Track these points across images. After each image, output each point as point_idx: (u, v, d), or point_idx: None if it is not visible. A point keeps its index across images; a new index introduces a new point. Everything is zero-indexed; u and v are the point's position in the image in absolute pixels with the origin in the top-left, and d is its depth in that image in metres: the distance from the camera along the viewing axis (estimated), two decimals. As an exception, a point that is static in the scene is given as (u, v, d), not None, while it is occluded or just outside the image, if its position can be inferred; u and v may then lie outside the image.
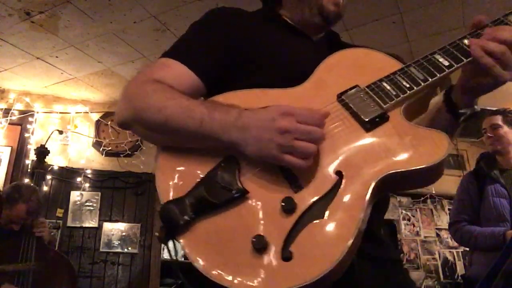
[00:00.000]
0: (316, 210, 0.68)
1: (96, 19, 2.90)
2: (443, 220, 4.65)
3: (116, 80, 3.76)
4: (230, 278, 0.64)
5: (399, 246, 4.45)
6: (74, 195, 3.73)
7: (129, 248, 3.70)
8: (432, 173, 0.72)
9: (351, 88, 0.81)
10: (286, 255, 0.64)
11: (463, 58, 0.80)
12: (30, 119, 3.83)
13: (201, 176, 0.74)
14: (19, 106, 3.85)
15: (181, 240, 0.71)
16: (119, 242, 3.69)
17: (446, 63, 0.80)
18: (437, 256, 4.52)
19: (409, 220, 4.66)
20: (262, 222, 0.68)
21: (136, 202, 3.88)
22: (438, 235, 4.57)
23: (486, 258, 1.98)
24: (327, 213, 0.67)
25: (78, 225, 3.64)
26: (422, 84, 0.79)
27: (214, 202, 0.70)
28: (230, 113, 0.74)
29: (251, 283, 0.63)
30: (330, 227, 0.66)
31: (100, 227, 3.69)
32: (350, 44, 1.05)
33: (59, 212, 3.61)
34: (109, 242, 3.66)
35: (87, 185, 3.79)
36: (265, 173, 0.73)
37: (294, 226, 0.66)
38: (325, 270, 0.61)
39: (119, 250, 3.66)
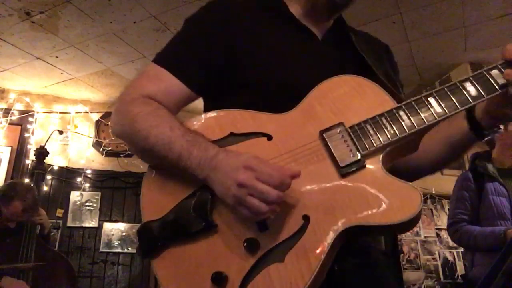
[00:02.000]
0: (277, 253, 0.69)
1: (96, 19, 2.90)
2: (443, 220, 4.65)
3: (116, 80, 3.76)
4: None
5: (399, 246, 4.45)
6: (74, 195, 3.73)
7: (129, 248, 3.70)
8: (402, 228, 0.71)
9: (334, 126, 0.78)
10: None
11: (458, 105, 0.75)
12: (30, 119, 3.83)
13: (179, 201, 0.77)
14: (19, 106, 3.85)
15: (153, 262, 0.75)
16: (119, 242, 3.69)
17: (439, 110, 0.75)
18: (437, 256, 4.52)
19: (409, 220, 4.66)
20: (225, 258, 0.71)
21: (136, 202, 3.88)
22: (438, 235, 4.57)
23: (489, 259, 1.96)
24: (287, 257, 0.68)
25: (78, 225, 3.64)
26: (407, 132, 0.75)
27: (184, 231, 0.74)
28: (207, 152, 0.76)
29: None
30: (287, 272, 0.67)
31: (100, 227, 3.69)
32: (356, 40, 0.98)
33: (59, 212, 3.61)
34: (109, 242, 3.66)
35: (87, 185, 3.79)
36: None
37: (254, 267, 0.68)
38: None
39: (119, 250, 3.66)
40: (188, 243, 0.74)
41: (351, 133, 0.77)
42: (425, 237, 4.60)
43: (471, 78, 0.76)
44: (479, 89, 0.75)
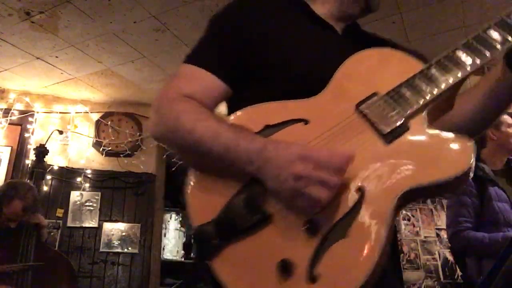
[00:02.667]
0: (339, 230, 0.67)
1: (96, 19, 2.90)
2: (443, 220, 4.64)
3: (116, 80, 3.76)
4: None
5: (399, 247, 4.45)
6: (74, 195, 3.73)
7: (129, 248, 3.70)
8: (457, 183, 0.69)
9: (369, 97, 0.78)
10: (312, 277, 0.64)
11: (486, 52, 0.74)
12: (30, 119, 3.83)
13: (228, 199, 0.74)
14: (19, 106, 3.85)
15: (213, 265, 0.72)
16: (119, 242, 3.68)
17: (469, 61, 0.75)
18: (437, 256, 4.52)
19: (409, 220, 4.66)
20: (286, 245, 0.68)
21: (136, 202, 3.88)
22: (438, 235, 4.58)
23: None
24: (350, 232, 0.66)
25: (78, 225, 3.64)
26: (443, 86, 0.74)
27: (240, 227, 0.71)
28: (254, 143, 0.74)
29: None
30: (354, 246, 0.65)
31: (100, 227, 3.69)
32: (372, 35, 1.04)
33: (59, 212, 3.61)
34: (109, 242, 3.66)
35: (87, 185, 3.79)
36: None
37: (318, 248, 0.66)
38: (357, 285, 0.61)
39: (119, 250, 3.66)
40: (245, 239, 0.71)
41: (387, 99, 0.76)
42: (425, 237, 4.60)
43: (493, 26, 0.77)
44: (504, 34, 0.75)
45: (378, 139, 0.73)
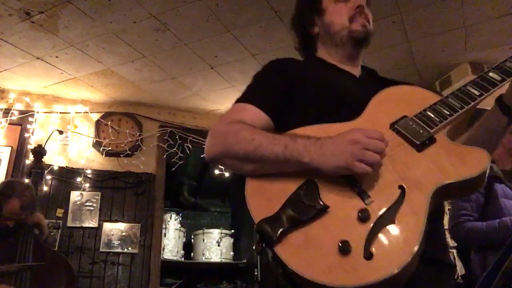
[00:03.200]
0: (387, 217, 0.81)
1: (96, 19, 2.90)
2: (444, 221, 4.64)
3: (116, 80, 3.76)
4: (324, 276, 0.76)
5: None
6: (74, 195, 3.73)
7: (129, 248, 3.69)
8: (477, 182, 0.86)
9: (400, 118, 0.97)
10: (367, 255, 0.76)
11: (489, 87, 0.99)
12: (30, 119, 3.82)
13: (286, 197, 0.86)
14: (19, 106, 3.85)
15: (277, 251, 0.81)
16: (119, 242, 3.68)
17: (477, 93, 0.99)
18: (437, 256, 4.51)
19: (409, 220, 4.65)
20: (343, 230, 0.81)
21: (136, 202, 3.88)
22: (438, 235, 4.57)
23: None
24: (396, 219, 0.81)
25: (78, 225, 3.63)
26: (459, 111, 0.96)
27: (301, 217, 0.83)
28: (310, 139, 0.90)
29: (342, 279, 0.75)
30: (401, 229, 0.79)
31: (100, 227, 3.68)
32: (389, 79, 1.22)
33: (59, 212, 3.60)
34: (109, 242, 3.66)
35: (87, 185, 3.79)
36: (339, 191, 0.87)
37: (371, 231, 0.79)
38: (403, 264, 0.74)
39: (119, 250, 3.66)
40: (305, 228, 0.83)
41: (416, 120, 0.96)
42: (425, 237, 4.59)
43: (492, 69, 1.03)
44: (501, 74, 1.01)
45: (412, 149, 0.91)
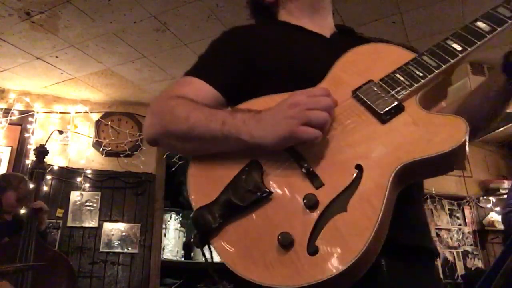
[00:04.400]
0: (338, 205, 0.69)
1: (96, 19, 2.90)
2: (443, 220, 4.65)
3: (116, 80, 3.76)
4: (260, 275, 0.67)
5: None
6: (74, 195, 3.73)
7: (129, 248, 3.69)
8: (453, 159, 0.71)
9: (365, 84, 0.82)
10: (311, 250, 0.66)
11: (475, 40, 0.81)
12: (30, 119, 3.83)
13: (228, 181, 0.77)
14: (19, 106, 3.85)
15: (213, 243, 0.74)
16: (119, 242, 3.68)
17: (459, 48, 0.81)
18: (437, 256, 4.51)
19: (409, 220, 4.65)
20: (286, 219, 0.71)
21: (136, 202, 3.88)
22: (438, 235, 4.57)
23: None
24: (349, 206, 0.68)
25: (78, 225, 3.63)
26: (435, 71, 0.79)
27: (241, 205, 0.73)
28: (249, 112, 0.79)
29: (280, 278, 0.65)
30: (353, 219, 0.67)
31: (100, 227, 3.68)
32: (365, 37, 1.07)
33: (59, 212, 3.60)
34: (109, 242, 3.66)
35: (87, 185, 3.79)
36: (286, 173, 0.75)
37: (318, 221, 0.68)
38: (350, 262, 0.63)
39: (119, 250, 3.66)
40: (245, 217, 0.73)
41: (382, 84, 0.81)
42: (425, 237, 4.59)
43: (479, 18, 0.84)
44: (491, 24, 0.82)
45: (374, 119, 0.77)
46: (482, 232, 4.68)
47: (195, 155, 0.86)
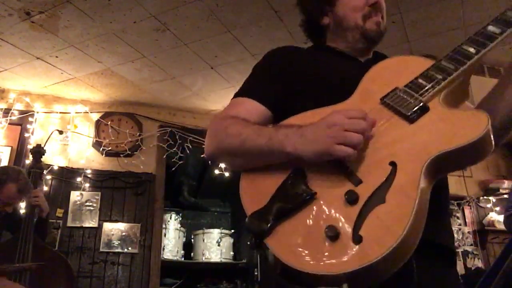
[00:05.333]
0: (377, 197, 0.76)
1: (96, 19, 2.90)
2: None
3: (116, 80, 3.76)
4: (313, 266, 0.73)
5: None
6: (74, 195, 3.73)
7: (129, 248, 3.69)
8: (478, 149, 0.78)
9: (391, 91, 0.91)
10: (357, 239, 0.72)
11: (487, 42, 0.88)
12: (30, 119, 3.82)
13: (274, 188, 0.85)
14: (19, 106, 3.85)
15: (267, 243, 0.79)
16: (119, 242, 3.68)
17: (473, 51, 0.89)
18: (437, 256, 4.51)
19: (409, 220, 4.65)
20: (331, 215, 0.78)
21: (136, 202, 3.88)
22: (438, 235, 4.57)
23: None
24: (387, 198, 0.75)
25: (78, 225, 3.63)
26: (454, 73, 0.87)
27: (289, 207, 0.81)
28: (292, 127, 0.88)
29: (331, 267, 0.71)
30: (391, 208, 0.74)
31: (100, 227, 3.68)
32: None
33: (59, 212, 3.60)
34: (109, 242, 3.66)
35: (87, 185, 3.79)
36: (328, 175, 0.83)
37: (360, 214, 0.75)
38: (392, 245, 0.68)
39: (119, 250, 3.66)
40: (294, 217, 0.80)
41: (407, 90, 0.89)
42: (425, 237, 4.59)
43: (490, 22, 0.92)
44: (500, 26, 0.91)
45: (403, 121, 0.85)
46: (482, 232, 4.68)
47: (245, 169, 0.94)
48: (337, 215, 0.77)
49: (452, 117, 0.82)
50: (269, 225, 0.79)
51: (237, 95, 1.10)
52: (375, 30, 1.12)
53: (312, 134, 0.83)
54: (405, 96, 0.88)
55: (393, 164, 0.79)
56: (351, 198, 0.77)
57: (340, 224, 0.75)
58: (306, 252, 0.75)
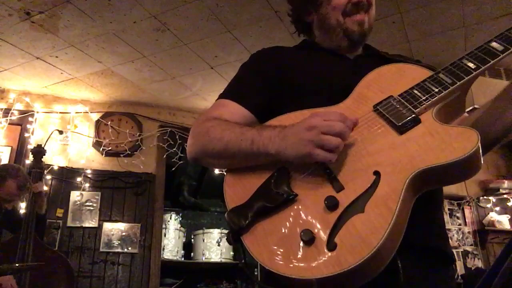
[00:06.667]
0: (356, 206, 0.75)
1: (96, 19, 2.90)
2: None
3: (116, 80, 3.76)
4: (285, 268, 0.73)
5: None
6: (74, 195, 3.73)
7: (129, 248, 3.69)
8: (466, 167, 0.76)
9: (385, 99, 0.90)
10: (331, 246, 0.72)
11: (488, 59, 0.86)
12: (30, 119, 3.83)
13: (258, 186, 0.85)
14: (19, 106, 3.85)
15: (243, 239, 0.80)
16: (119, 242, 3.68)
17: (473, 66, 0.87)
18: (437, 256, 4.51)
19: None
20: (309, 219, 0.78)
21: (136, 202, 3.88)
22: (438, 235, 4.57)
23: None
24: (366, 207, 0.74)
25: (78, 225, 3.64)
26: (450, 87, 0.86)
27: (270, 206, 0.81)
28: (275, 129, 0.88)
29: (302, 271, 0.72)
30: (369, 219, 0.73)
31: (100, 227, 3.68)
32: (388, 56, 1.14)
33: (59, 212, 3.61)
34: (109, 242, 3.66)
35: (87, 185, 3.79)
36: (311, 178, 0.83)
37: (338, 221, 0.74)
38: (365, 256, 0.68)
39: (119, 250, 3.66)
40: (273, 216, 0.81)
41: (401, 99, 0.88)
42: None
43: (494, 38, 0.89)
44: (504, 44, 0.87)
45: (392, 131, 0.84)
46: (482, 232, 4.68)
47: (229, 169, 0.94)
48: (315, 219, 0.77)
49: (443, 133, 0.80)
50: (247, 221, 0.80)
51: (221, 96, 1.09)
52: (357, 31, 1.09)
53: (293, 137, 0.82)
54: (399, 106, 0.87)
55: (377, 173, 0.78)
56: (330, 204, 0.76)
57: (316, 230, 0.75)
58: (280, 253, 0.75)
